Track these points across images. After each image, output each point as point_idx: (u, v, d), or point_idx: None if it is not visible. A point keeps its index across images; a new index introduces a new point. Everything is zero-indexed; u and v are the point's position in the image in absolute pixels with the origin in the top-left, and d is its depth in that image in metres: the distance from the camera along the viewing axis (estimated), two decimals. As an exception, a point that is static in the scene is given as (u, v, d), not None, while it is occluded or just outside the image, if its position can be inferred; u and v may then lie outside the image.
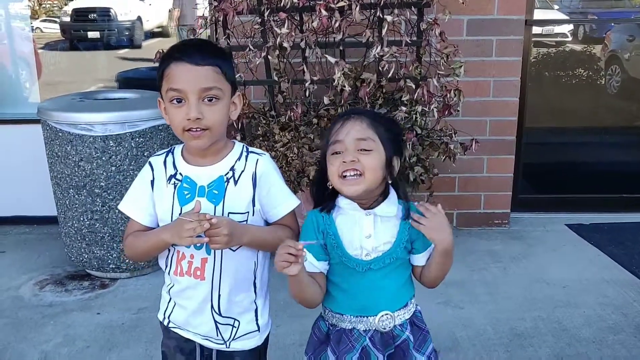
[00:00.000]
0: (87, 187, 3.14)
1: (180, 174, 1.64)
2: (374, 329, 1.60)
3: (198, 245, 1.59)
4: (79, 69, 5.67)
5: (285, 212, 1.69)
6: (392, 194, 1.63)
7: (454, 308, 3.02)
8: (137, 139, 3.10)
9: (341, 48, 2.97)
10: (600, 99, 4.70)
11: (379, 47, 2.79)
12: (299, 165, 3.05)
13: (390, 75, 2.90)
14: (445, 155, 3.23)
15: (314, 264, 1.59)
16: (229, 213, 1.61)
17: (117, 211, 1.75)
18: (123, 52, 5.83)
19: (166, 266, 1.69)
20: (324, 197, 1.65)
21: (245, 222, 1.63)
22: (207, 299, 1.65)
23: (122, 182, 3.11)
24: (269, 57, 3.07)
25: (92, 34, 5.96)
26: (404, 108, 2.91)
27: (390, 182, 1.62)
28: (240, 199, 1.63)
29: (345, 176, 1.55)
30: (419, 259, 1.64)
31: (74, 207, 3.21)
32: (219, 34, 3.23)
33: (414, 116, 3.02)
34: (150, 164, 1.69)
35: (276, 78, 3.19)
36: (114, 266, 3.30)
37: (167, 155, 1.69)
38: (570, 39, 4.81)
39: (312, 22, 2.84)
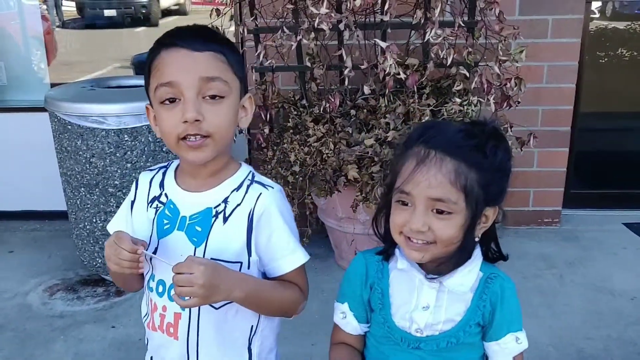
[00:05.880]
0: (100, 186, 2.82)
1: (166, 195, 1.29)
2: None
3: (170, 295, 1.23)
4: (95, 48, 5.55)
5: (289, 268, 1.28)
6: (475, 256, 1.22)
7: (510, 325, 2.69)
8: (155, 133, 2.77)
9: (389, 30, 2.60)
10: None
11: (433, 30, 2.41)
12: (336, 163, 2.70)
13: (449, 62, 2.50)
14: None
15: (355, 326, 1.29)
16: (213, 260, 1.21)
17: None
18: (139, 30, 5.70)
19: (144, 315, 1.36)
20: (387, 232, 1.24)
21: None
22: None
23: (139, 180, 2.79)
24: (303, 40, 2.72)
25: (108, 12, 5.92)
26: (458, 100, 2.55)
27: (477, 239, 1.20)
28: (230, 243, 1.24)
29: (408, 237, 1.16)
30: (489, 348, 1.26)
31: (86, 207, 2.90)
32: (245, 14, 2.88)
33: (466, 108, 2.66)
34: (136, 180, 1.36)
35: (309, 64, 2.84)
36: (130, 272, 3.00)
37: (157, 172, 1.35)
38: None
39: (354, 0, 2.46)
